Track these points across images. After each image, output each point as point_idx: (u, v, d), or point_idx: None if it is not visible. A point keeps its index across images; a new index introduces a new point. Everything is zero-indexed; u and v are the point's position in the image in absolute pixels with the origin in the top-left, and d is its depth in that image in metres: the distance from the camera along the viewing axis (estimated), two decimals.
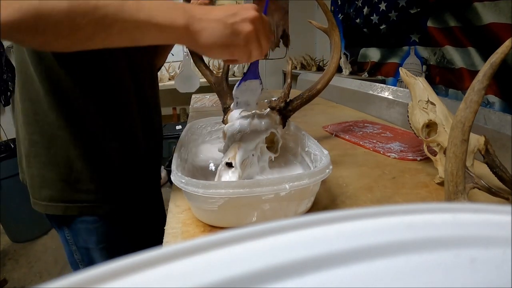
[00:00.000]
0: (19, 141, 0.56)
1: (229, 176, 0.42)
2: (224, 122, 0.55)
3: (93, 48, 0.35)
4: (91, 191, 0.54)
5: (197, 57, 0.60)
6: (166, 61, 3.32)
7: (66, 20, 0.31)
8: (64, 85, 0.49)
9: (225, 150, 0.47)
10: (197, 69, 0.62)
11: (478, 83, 0.30)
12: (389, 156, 0.63)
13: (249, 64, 0.47)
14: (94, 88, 0.51)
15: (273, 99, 0.56)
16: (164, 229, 0.40)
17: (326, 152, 0.44)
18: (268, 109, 0.53)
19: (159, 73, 2.89)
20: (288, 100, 0.56)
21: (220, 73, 0.60)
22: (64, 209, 0.54)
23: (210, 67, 0.67)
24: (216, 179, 0.43)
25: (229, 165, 0.43)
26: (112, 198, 0.56)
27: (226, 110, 0.56)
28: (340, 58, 2.41)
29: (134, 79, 0.57)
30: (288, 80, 0.59)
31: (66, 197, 0.53)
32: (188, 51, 0.59)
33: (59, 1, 0.31)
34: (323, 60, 2.74)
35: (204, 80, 0.66)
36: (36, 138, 0.52)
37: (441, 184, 0.49)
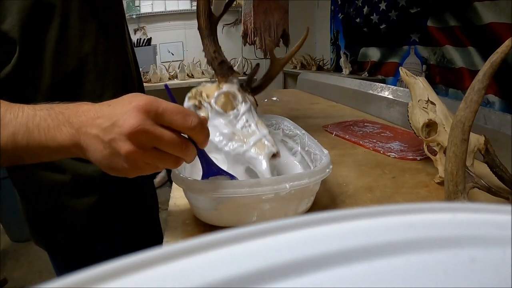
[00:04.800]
0: None
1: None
2: (219, 80, 0.53)
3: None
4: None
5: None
6: (166, 60, 3.28)
7: None
8: None
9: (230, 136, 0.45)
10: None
11: (478, 83, 0.30)
12: (389, 156, 0.63)
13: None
14: None
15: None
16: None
17: (326, 151, 0.44)
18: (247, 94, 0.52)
19: (158, 73, 2.88)
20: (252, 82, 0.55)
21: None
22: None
23: None
24: (260, 167, 0.42)
25: (277, 154, 0.43)
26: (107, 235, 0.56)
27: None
28: (341, 57, 2.41)
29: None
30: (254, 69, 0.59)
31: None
32: None
33: None
34: (323, 60, 2.74)
35: None
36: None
37: (441, 183, 0.49)
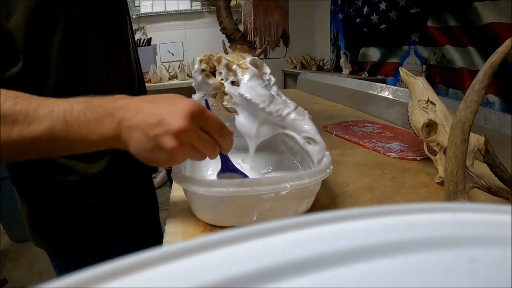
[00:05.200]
0: None
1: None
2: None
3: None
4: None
5: None
6: (166, 60, 3.28)
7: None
8: None
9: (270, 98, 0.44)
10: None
11: (478, 83, 0.30)
12: (389, 156, 0.63)
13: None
14: None
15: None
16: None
17: (326, 151, 0.44)
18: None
19: (158, 73, 2.88)
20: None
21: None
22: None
23: None
24: (305, 127, 0.42)
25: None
26: (106, 234, 0.56)
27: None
28: (340, 57, 2.41)
29: None
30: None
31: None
32: None
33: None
34: (323, 60, 2.74)
35: None
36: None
37: (441, 183, 0.49)
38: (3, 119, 0.30)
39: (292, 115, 0.43)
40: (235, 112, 0.47)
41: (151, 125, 0.31)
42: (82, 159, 0.52)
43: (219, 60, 0.48)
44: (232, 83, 0.46)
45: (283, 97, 0.45)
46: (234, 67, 0.46)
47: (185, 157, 0.35)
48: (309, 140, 0.42)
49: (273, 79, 0.47)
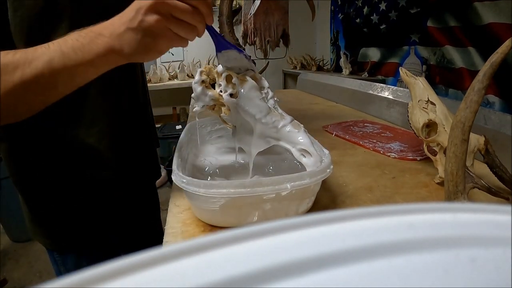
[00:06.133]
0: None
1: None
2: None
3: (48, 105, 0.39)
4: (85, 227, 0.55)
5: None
6: (166, 61, 3.27)
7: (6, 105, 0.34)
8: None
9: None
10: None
11: (478, 83, 0.30)
12: (389, 156, 0.63)
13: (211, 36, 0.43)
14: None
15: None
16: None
17: (326, 151, 0.44)
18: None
19: (159, 73, 2.86)
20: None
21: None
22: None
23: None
24: (299, 140, 0.43)
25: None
26: (104, 231, 0.56)
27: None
28: (340, 57, 2.41)
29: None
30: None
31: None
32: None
33: None
34: (323, 60, 2.74)
35: None
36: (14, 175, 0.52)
37: (441, 184, 0.49)
38: (5, 67, 0.33)
39: (288, 127, 0.44)
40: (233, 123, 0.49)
41: (132, 18, 0.35)
42: (86, 164, 0.52)
43: (218, 74, 0.49)
44: (231, 95, 0.47)
45: (280, 110, 0.47)
46: (233, 79, 0.47)
47: (174, 30, 0.37)
48: (304, 152, 0.43)
49: (270, 93, 0.48)
